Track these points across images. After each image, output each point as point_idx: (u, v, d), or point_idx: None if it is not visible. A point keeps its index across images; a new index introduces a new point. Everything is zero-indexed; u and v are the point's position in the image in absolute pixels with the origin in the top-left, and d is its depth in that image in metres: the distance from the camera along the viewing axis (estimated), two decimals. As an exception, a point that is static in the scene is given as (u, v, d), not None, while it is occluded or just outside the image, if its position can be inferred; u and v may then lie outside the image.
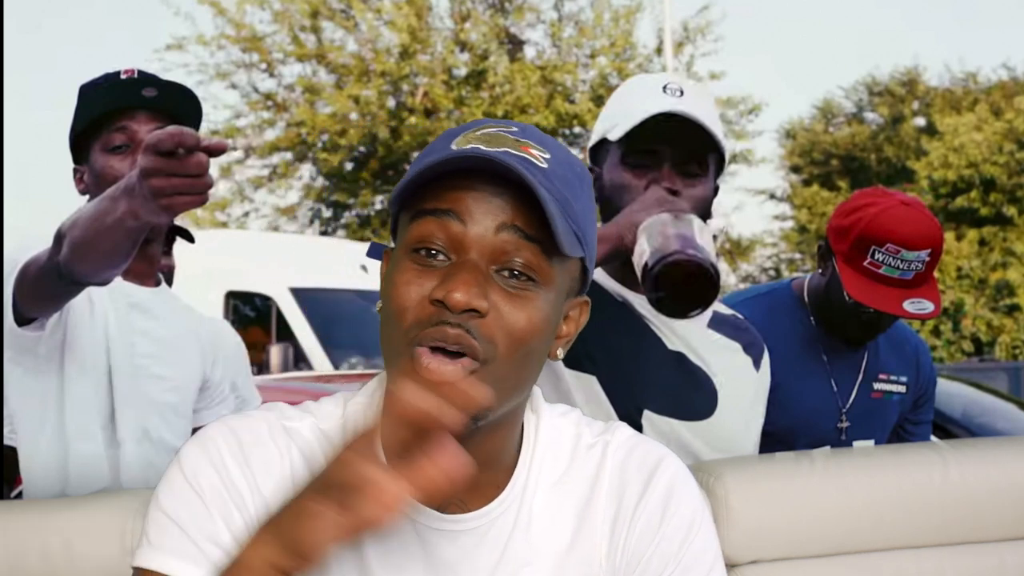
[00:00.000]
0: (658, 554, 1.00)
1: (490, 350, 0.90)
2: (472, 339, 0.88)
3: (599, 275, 1.67)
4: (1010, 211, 19.21)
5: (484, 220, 0.91)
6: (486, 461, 0.97)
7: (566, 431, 1.05)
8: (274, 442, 0.96)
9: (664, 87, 1.60)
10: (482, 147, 0.92)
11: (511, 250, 0.91)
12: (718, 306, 1.75)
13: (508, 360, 0.91)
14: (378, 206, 17.52)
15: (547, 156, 0.94)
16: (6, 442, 1.71)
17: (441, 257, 0.91)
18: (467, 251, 0.90)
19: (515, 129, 0.95)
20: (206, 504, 0.93)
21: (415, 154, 16.80)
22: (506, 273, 0.91)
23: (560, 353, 1.00)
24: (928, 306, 1.89)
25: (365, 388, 1.03)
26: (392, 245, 1.02)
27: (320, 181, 17.76)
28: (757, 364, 1.73)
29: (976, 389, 4.76)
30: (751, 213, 43.94)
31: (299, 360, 6.60)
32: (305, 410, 1.01)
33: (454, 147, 0.93)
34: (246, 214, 17.93)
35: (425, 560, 0.97)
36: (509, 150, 0.92)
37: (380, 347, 0.96)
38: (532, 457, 1.02)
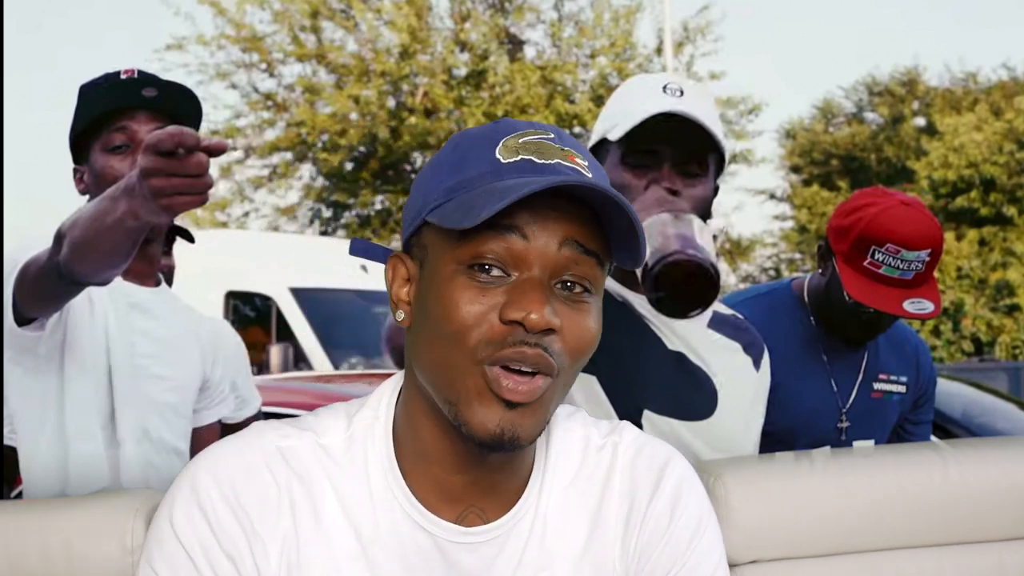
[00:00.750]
0: (666, 553, 1.01)
1: (561, 363, 0.90)
2: (550, 357, 0.89)
3: (599, 275, 1.67)
4: (1010, 211, 19.20)
5: (545, 235, 0.90)
6: (511, 467, 0.98)
7: (575, 433, 1.05)
8: (270, 472, 0.95)
9: (664, 87, 1.60)
10: (534, 159, 0.91)
11: (571, 264, 0.91)
12: (718, 306, 1.75)
13: (571, 369, 0.93)
14: (378, 206, 17.52)
15: (587, 163, 0.94)
16: (6, 442, 1.71)
17: (497, 272, 0.90)
18: (530, 267, 0.90)
19: (552, 136, 0.94)
20: (195, 563, 0.92)
21: (415, 154, 16.84)
22: (565, 286, 0.91)
23: None
24: (928, 306, 1.89)
25: (371, 401, 1.01)
26: (392, 248, 1.01)
27: (320, 181, 17.75)
28: (757, 364, 1.73)
29: (976, 389, 4.75)
30: (751, 213, 43.98)
31: (299, 360, 6.61)
32: (303, 426, 0.99)
33: (500, 157, 0.91)
34: (246, 214, 17.93)
35: (446, 573, 0.96)
36: (561, 162, 0.91)
37: (421, 367, 0.93)
38: (546, 462, 1.02)
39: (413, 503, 0.96)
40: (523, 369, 0.88)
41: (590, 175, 0.92)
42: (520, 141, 0.93)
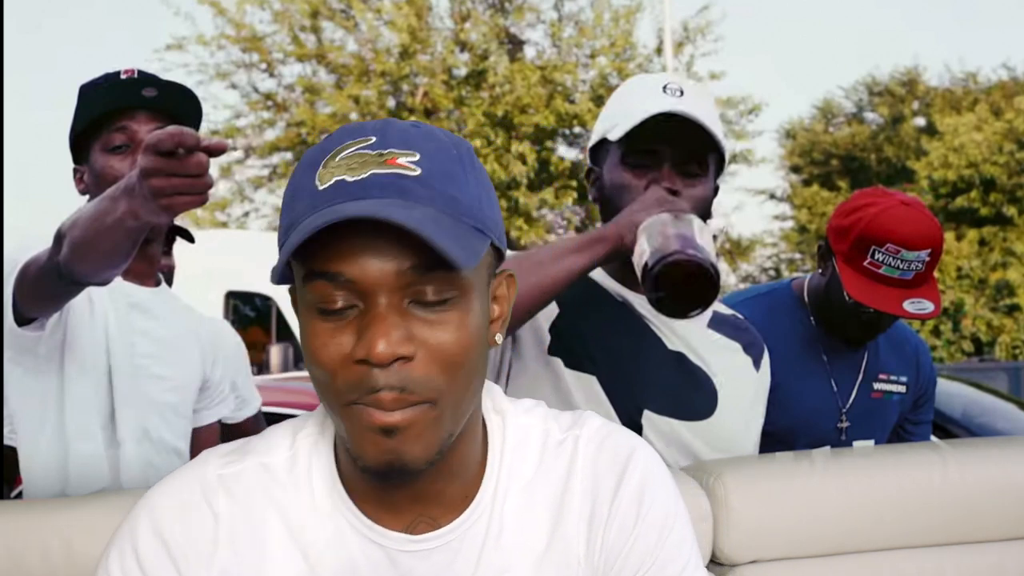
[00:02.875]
0: (636, 551, 0.99)
1: (433, 386, 0.86)
2: (409, 395, 0.85)
3: (599, 275, 1.67)
4: (1010, 211, 19.20)
5: (379, 270, 0.84)
6: (451, 474, 0.95)
7: (533, 429, 1.01)
8: (208, 505, 0.94)
9: (664, 87, 1.60)
10: (347, 178, 0.85)
11: (416, 282, 0.85)
12: (718, 306, 1.75)
13: (453, 387, 0.87)
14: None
15: (416, 158, 0.87)
16: (6, 442, 1.71)
17: (349, 309, 0.86)
18: (374, 297, 0.84)
19: (373, 140, 0.88)
20: None
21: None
22: (420, 304, 0.86)
23: (499, 338, 0.95)
24: (928, 306, 1.89)
25: (316, 416, 1.00)
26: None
27: (320, 181, 17.73)
28: (757, 364, 1.73)
29: (976, 389, 4.75)
30: (751, 213, 43.98)
31: (299, 360, 6.60)
32: (247, 450, 0.98)
33: (318, 184, 0.86)
34: (246, 214, 17.94)
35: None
36: (375, 172, 0.85)
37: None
38: (500, 462, 0.99)
39: (359, 516, 0.94)
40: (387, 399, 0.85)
41: (417, 171, 0.86)
42: (337, 159, 0.87)
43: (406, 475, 0.88)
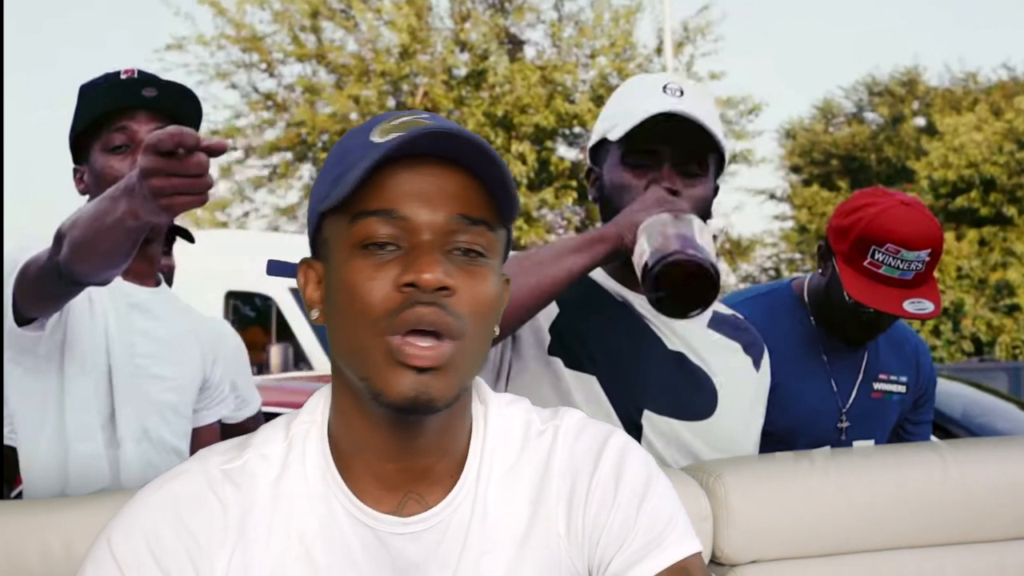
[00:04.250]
0: (617, 521, 1.01)
1: (463, 326, 0.91)
2: (447, 316, 0.90)
3: (599, 275, 1.67)
4: (1010, 211, 19.20)
5: (428, 214, 0.92)
6: (441, 449, 0.99)
7: (516, 419, 1.05)
8: (215, 495, 0.96)
9: (664, 87, 1.60)
10: (403, 134, 0.92)
11: (459, 230, 0.93)
12: (718, 306, 1.75)
13: (476, 334, 0.93)
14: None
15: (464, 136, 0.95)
16: (6, 442, 1.71)
17: (391, 247, 0.92)
18: (420, 235, 0.92)
19: (427, 117, 0.96)
20: None
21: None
22: (458, 252, 0.93)
23: (496, 330, 1.00)
24: (928, 306, 1.89)
25: (308, 406, 1.03)
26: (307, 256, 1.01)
27: (320, 181, 17.74)
28: (757, 364, 1.73)
29: (976, 389, 4.75)
30: (751, 213, 43.93)
31: (299, 360, 6.61)
32: (244, 445, 1.01)
33: (374, 138, 0.93)
34: (246, 214, 17.94)
35: (392, 565, 0.97)
36: (433, 129, 0.92)
37: (336, 354, 0.96)
38: (483, 447, 1.02)
39: (352, 499, 0.97)
40: (424, 330, 0.90)
41: (463, 135, 0.93)
42: (393, 123, 0.95)
43: (427, 412, 0.92)
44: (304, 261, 1.00)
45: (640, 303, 1.64)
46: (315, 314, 0.99)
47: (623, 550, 1.00)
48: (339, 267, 0.94)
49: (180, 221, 1.95)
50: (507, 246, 1.01)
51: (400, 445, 0.96)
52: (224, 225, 17.09)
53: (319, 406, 1.02)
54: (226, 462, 0.98)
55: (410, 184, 0.92)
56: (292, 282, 7.09)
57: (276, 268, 1.09)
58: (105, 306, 1.73)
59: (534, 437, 1.04)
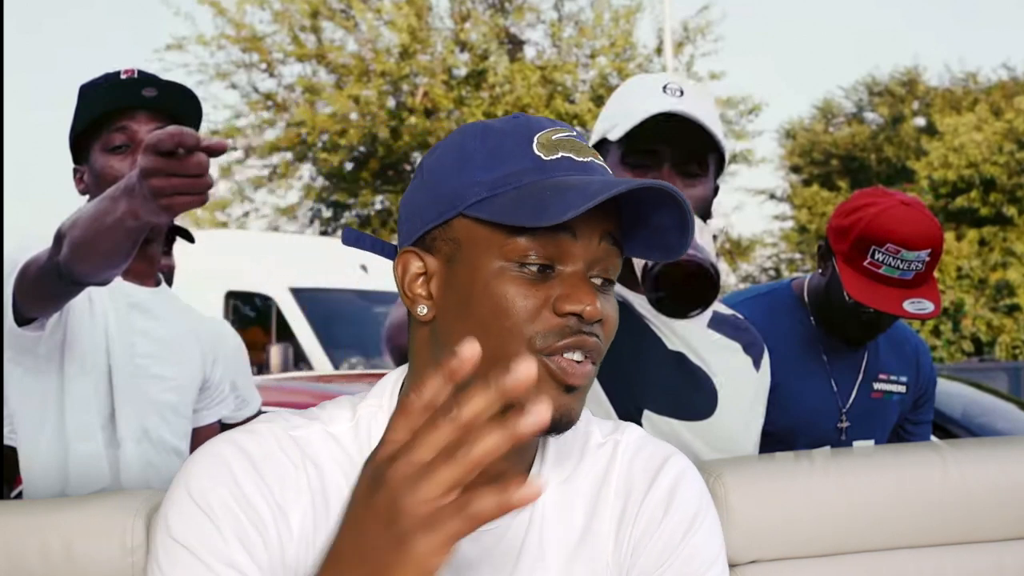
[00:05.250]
0: (659, 546, 1.01)
1: (602, 349, 0.96)
2: (600, 343, 0.95)
3: (599, 275, 1.67)
4: (1010, 211, 19.20)
5: (589, 232, 0.94)
6: (518, 454, 1.00)
7: (576, 430, 1.05)
8: (285, 454, 0.95)
9: (664, 87, 1.60)
10: (573, 157, 0.95)
11: (605, 257, 0.96)
12: (718, 306, 1.75)
13: (602, 357, 0.97)
14: (378, 206, 17.51)
15: (597, 154, 0.99)
16: (6, 442, 1.71)
17: (544, 267, 0.94)
18: (576, 261, 0.94)
19: (576, 133, 1.00)
20: (218, 526, 0.90)
21: (415, 154, 16.84)
22: (598, 278, 0.96)
23: None
24: (928, 306, 1.89)
25: (376, 391, 1.02)
26: (397, 243, 1.01)
27: (320, 181, 17.74)
28: (757, 364, 1.73)
29: (976, 389, 4.75)
30: (751, 213, 43.95)
31: (299, 360, 6.61)
32: (311, 416, 1.00)
33: (540, 154, 0.95)
34: (246, 214, 17.93)
35: (448, 561, 0.97)
36: (594, 159, 0.97)
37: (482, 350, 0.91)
38: (544, 455, 1.03)
39: None
40: (576, 357, 0.93)
41: (610, 171, 0.99)
42: (553, 138, 0.97)
43: (567, 428, 0.95)
44: (408, 251, 0.98)
45: (640, 303, 1.64)
46: (423, 310, 0.96)
47: None
48: (486, 277, 0.93)
49: (180, 221, 1.95)
50: None
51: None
52: (224, 225, 17.09)
53: (387, 391, 1.01)
54: (292, 428, 0.97)
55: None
56: (292, 282, 7.10)
57: (352, 239, 1.06)
58: (105, 306, 1.73)
59: (593, 449, 1.06)
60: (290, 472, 0.94)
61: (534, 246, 0.92)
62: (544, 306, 0.93)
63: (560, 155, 0.95)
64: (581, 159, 0.95)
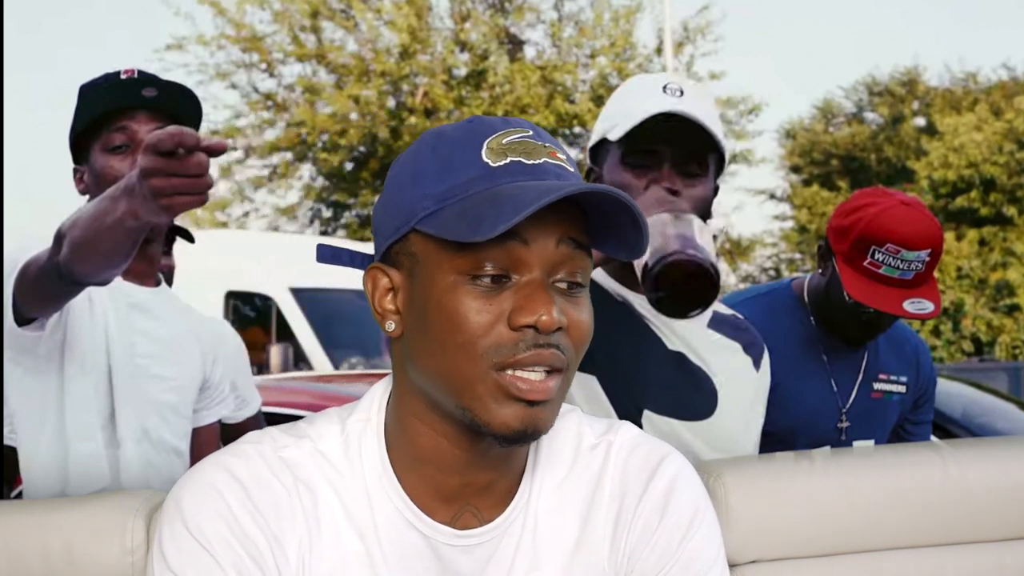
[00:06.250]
0: (656, 551, 1.00)
1: (569, 358, 0.92)
2: (562, 354, 0.91)
3: (599, 275, 1.67)
4: (1010, 211, 19.19)
5: (543, 237, 0.90)
6: (506, 464, 0.98)
7: (568, 431, 1.04)
8: (278, 479, 0.94)
9: (664, 87, 1.60)
10: (523, 160, 0.91)
11: (567, 260, 0.92)
12: (718, 306, 1.75)
13: (576, 363, 0.94)
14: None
15: (565, 157, 0.95)
16: (6, 442, 1.71)
17: (499, 278, 0.90)
18: (531, 269, 0.90)
19: (531, 133, 0.94)
20: (216, 559, 0.90)
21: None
22: (562, 283, 0.92)
23: None
24: (928, 306, 1.89)
25: (363, 404, 1.01)
26: (372, 255, 0.99)
27: (320, 181, 17.75)
28: (757, 364, 1.73)
29: (976, 389, 4.75)
30: (751, 213, 43.96)
31: (299, 360, 6.60)
32: (299, 434, 0.98)
33: (488, 161, 0.91)
34: (246, 214, 17.93)
35: (442, 573, 0.96)
36: (547, 160, 0.92)
37: (430, 376, 0.92)
38: (536, 461, 1.01)
39: (408, 504, 0.96)
40: (534, 374, 0.90)
41: (572, 169, 0.94)
42: (504, 142, 0.92)
43: (531, 441, 0.93)
44: (374, 267, 0.97)
45: (640, 303, 1.64)
46: (391, 326, 0.95)
47: None
48: (441, 291, 0.91)
49: (180, 221, 1.95)
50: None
51: (468, 461, 0.95)
52: (224, 225, 17.09)
53: (374, 405, 1.00)
54: (281, 449, 0.96)
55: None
56: (292, 282, 7.09)
57: (327, 255, 1.04)
58: (105, 306, 1.73)
59: (587, 451, 1.03)
60: (284, 499, 0.94)
61: (485, 257, 0.89)
62: (499, 320, 0.89)
63: (508, 160, 0.91)
64: (531, 162, 0.91)
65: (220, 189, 16.97)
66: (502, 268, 0.90)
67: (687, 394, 1.63)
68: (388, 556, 0.95)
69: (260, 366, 6.25)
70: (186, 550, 0.91)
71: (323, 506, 0.95)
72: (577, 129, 16.64)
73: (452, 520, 0.97)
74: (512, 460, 0.98)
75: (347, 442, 0.98)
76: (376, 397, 1.01)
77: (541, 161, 0.92)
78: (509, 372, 0.89)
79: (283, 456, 0.96)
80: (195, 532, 0.91)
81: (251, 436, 0.98)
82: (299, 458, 0.96)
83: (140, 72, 1.74)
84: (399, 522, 0.96)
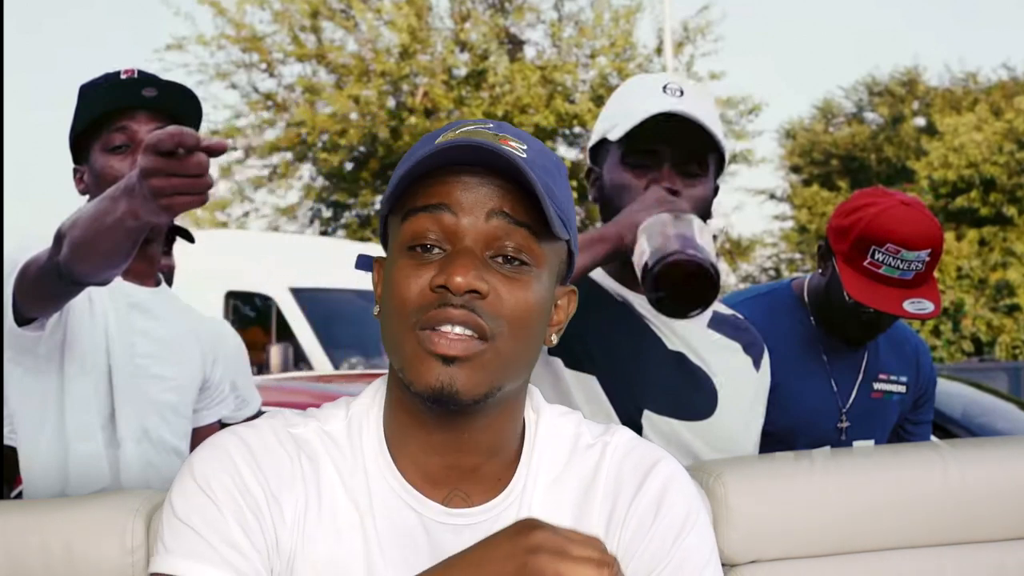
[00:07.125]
0: (649, 551, 1.01)
1: (496, 326, 0.94)
2: (477, 317, 0.93)
3: (599, 275, 1.67)
4: (1010, 211, 19.19)
5: (474, 209, 0.95)
6: (489, 449, 1.01)
7: (566, 430, 1.07)
8: (283, 448, 1.01)
9: (664, 87, 1.60)
10: (469, 138, 0.95)
11: (502, 235, 0.95)
12: (718, 306, 1.75)
13: (511, 338, 0.95)
14: (378, 206, 17.50)
15: (525, 147, 0.98)
16: (6, 442, 1.71)
17: (436, 251, 0.96)
18: (461, 239, 0.95)
19: (491, 126, 0.99)
20: (219, 508, 0.96)
21: (415, 154, 16.82)
22: (501, 259, 0.96)
23: (554, 339, 1.03)
24: (928, 306, 1.89)
25: (367, 389, 1.07)
26: (383, 255, 1.05)
27: (320, 181, 17.75)
28: (757, 364, 1.73)
29: (976, 389, 4.75)
30: (751, 213, 43.92)
31: (299, 360, 6.60)
32: (308, 415, 1.06)
33: (439, 141, 0.97)
34: (246, 214, 17.94)
35: (430, 553, 0.99)
36: (490, 141, 0.95)
37: (385, 348, 1.00)
38: (532, 454, 1.04)
39: (402, 483, 1.01)
40: (452, 328, 0.93)
41: (525, 156, 0.96)
42: (457, 132, 0.98)
43: (453, 405, 0.95)
44: (377, 260, 1.05)
45: (640, 303, 1.64)
46: (375, 310, 1.02)
47: None
48: (390, 266, 0.99)
49: (180, 221, 1.95)
50: (565, 263, 1.03)
51: (444, 440, 1.00)
52: (224, 225, 17.09)
53: (377, 391, 1.06)
54: (290, 426, 1.03)
55: (460, 182, 0.95)
56: (292, 282, 7.10)
57: (365, 265, 1.15)
58: (105, 306, 1.73)
59: (582, 450, 1.06)
60: (285, 464, 1.00)
61: (419, 228, 0.96)
62: (426, 285, 0.95)
63: (452, 140, 0.96)
64: (471, 140, 0.95)
65: (220, 189, 16.98)
66: (435, 239, 0.95)
67: (687, 394, 1.64)
68: (381, 530, 0.99)
69: (260, 366, 6.25)
70: (192, 499, 0.97)
71: (324, 478, 1.01)
72: (577, 129, 16.64)
73: (443, 502, 1.01)
74: (494, 445, 1.01)
75: (350, 424, 1.04)
76: (381, 382, 1.07)
77: (482, 140, 0.95)
78: (427, 331, 0.93)
79: (292, 432, 1.02)
80: (202, 483, 0.97)
81: (267, 415, 1.06)
82: (306, 435, 1.02)
83: (140, 72, 1.74)
84: (393, 500, 1.00)
